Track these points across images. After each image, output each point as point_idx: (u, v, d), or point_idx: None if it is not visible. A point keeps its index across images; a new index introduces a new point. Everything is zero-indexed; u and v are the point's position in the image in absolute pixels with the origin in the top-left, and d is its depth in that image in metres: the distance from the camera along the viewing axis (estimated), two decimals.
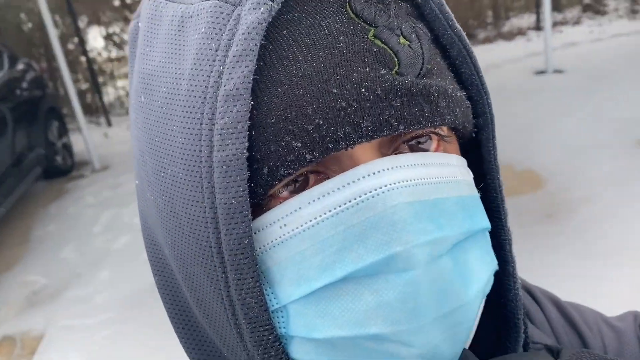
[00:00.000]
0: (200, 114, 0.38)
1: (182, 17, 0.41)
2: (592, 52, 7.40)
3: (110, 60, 10.60)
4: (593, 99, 5.41)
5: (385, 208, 0.38)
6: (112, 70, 10.55)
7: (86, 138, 6.47)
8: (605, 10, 9.20)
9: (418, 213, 0.39)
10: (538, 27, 8.67)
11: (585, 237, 3.30)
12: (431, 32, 0.44)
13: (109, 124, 8.70)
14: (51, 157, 6.10)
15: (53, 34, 6.16)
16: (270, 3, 0.37)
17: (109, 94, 10.34)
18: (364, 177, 0.39)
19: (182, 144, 0.39)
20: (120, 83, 10.54)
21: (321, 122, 0.38)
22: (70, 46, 9.68)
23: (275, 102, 0.38)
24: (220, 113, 0.37)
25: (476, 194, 0.46)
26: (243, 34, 0.37)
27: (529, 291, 0.65)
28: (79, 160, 6.86)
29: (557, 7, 9.56)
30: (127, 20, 10.26)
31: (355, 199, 0.38)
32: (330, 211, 0.39)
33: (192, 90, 0.39)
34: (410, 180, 0.39)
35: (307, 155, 0.38)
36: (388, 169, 0.39)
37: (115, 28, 10.47)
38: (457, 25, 0.45)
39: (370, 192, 0.38)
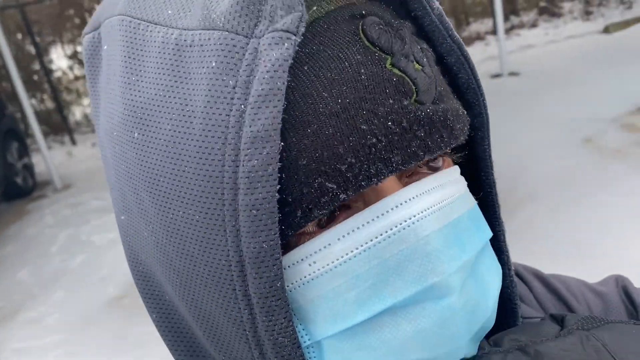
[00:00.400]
0: (221, 155, 0.36)
1: (177, 44, 0.38)
2: (547, 54, 7.56)
3: (76, 78, 10.54)
4: (544, 100, 5.53)
5: (417, 239, 0.39)
6: (77, 88, 10.49)
7: (46, 158, 6.42)
8: (561, 12, 9.39)
9: (446, 239, 0.40)
10: (495, 31, 8.83)
11: (528, 236, 3.36)
12: (429, 43, 0.45)
13: (74, 142, 8.64)
14: (10, 178, 6.05)
15: (7, 54, 6.13)
16: (293, 38, 0.35)
17: (75, 113, 10.28)
18: (392, 209, 0.39)
19: (199, 186, 0.37)
20: (86, 101, 10.48)
21: (354, 160, 0.37)
22: (36, 66, 9.62)
23: (306, 144, 0.37)
24: (246, 155, 0.35)
25: (475, 203, 0.47)
26: (268, 71, 0.35)
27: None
28: (42, 180, 6.81)
29: (514, 11, 9.75)
30: None
31: (386, 231, 0.39)
32: (362, 245, 0.39)
33: (209, 131, 0.36)
34: (434, 206, 0.40)
35: (341, 196, 0.38)
36: (414, 198, 0.40)
37: (79, 46, 10.41)
38: (456, 34, 0.46)
39: (401, 223, 0.39)
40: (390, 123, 0.38)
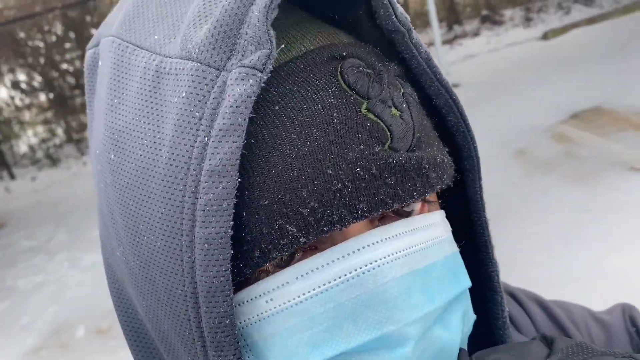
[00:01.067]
0: (182, 186, 0.36)
1: (157, 71, 0.38)
2: (488, 64, 7.60)
3: (17, 108, 10.23)
4: (481, 112, 5.51)
5: (376, 286, 0.37)
6: (21, 119, 10.18)
7: None
8: (502, 20, 9.48)
9: (409, 287, 0.38)
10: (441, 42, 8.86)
11: None
12: (417, 85, 0.44)
13: (12, 177, 8.35)
14: None
15: None
16: (259, 74, 0.35)
17: (20, 145, 9.96)
18: (353, 252, 0.38)
19: (162, 214, 0.37)
20: (31, 131, 10.18)
21: (316, 205, 0.36)
22: None
23: (269, 184, 0.36)
24: (204, 188, 0.35)
25: (456, 250, 0.46)
26: (230, 106, 0.34)
27: (513, 295, 0.65)
28: None
29: (457, 20, 9.81)
30: (31, 67, 9.94)
31: (345, 275, 0.37)
32: (319, 287, 0.38)
33: (174, 160, 0.36)
34: (400, 252, 0.39)
35: (301, 239, 0.37)
36: (378, 242, 0.38)
37: (20, 75, 10.13)
38: (444, 77, 0.45)
39: (361, 267, 0.37)
40: (358, 169, 0.37)
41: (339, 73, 0.39)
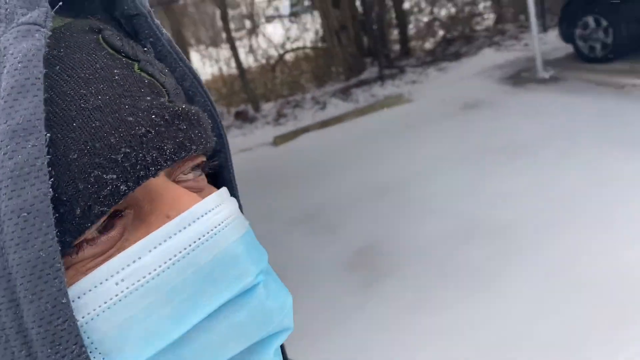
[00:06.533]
0: None
1: None
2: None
3: None
4: None
5: (227, 244, 0.39)
6: None
7: None
8: (256, 116, 9.45)
9: (247, 245, 0.41)
10: None
11: None
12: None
13: None
14: None
15: None
16: (43, 29, 0.35)
17: None
18: (202, 216, 0.39)
19: None
20: None
21: (128, 150, 0.36)
22: None
23: (73, 137, 0.35)
24: (6, 154, 0.31)
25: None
26: (20, 62, 0.33)
27: None
28: None
29: None
30: None
31: (199, 238, 0.38)
32: (180, 252, 0.37)
33: None
34: (231, 217, 0.41)
35: (121, 187, 0.36)
36: (218, 206, 0.40)
37: None
38: (185, 58, 0.48)
39: (212, 229, 0.39)
40: (153, 116, 0.38)
41: (102, 40, 0.40)
